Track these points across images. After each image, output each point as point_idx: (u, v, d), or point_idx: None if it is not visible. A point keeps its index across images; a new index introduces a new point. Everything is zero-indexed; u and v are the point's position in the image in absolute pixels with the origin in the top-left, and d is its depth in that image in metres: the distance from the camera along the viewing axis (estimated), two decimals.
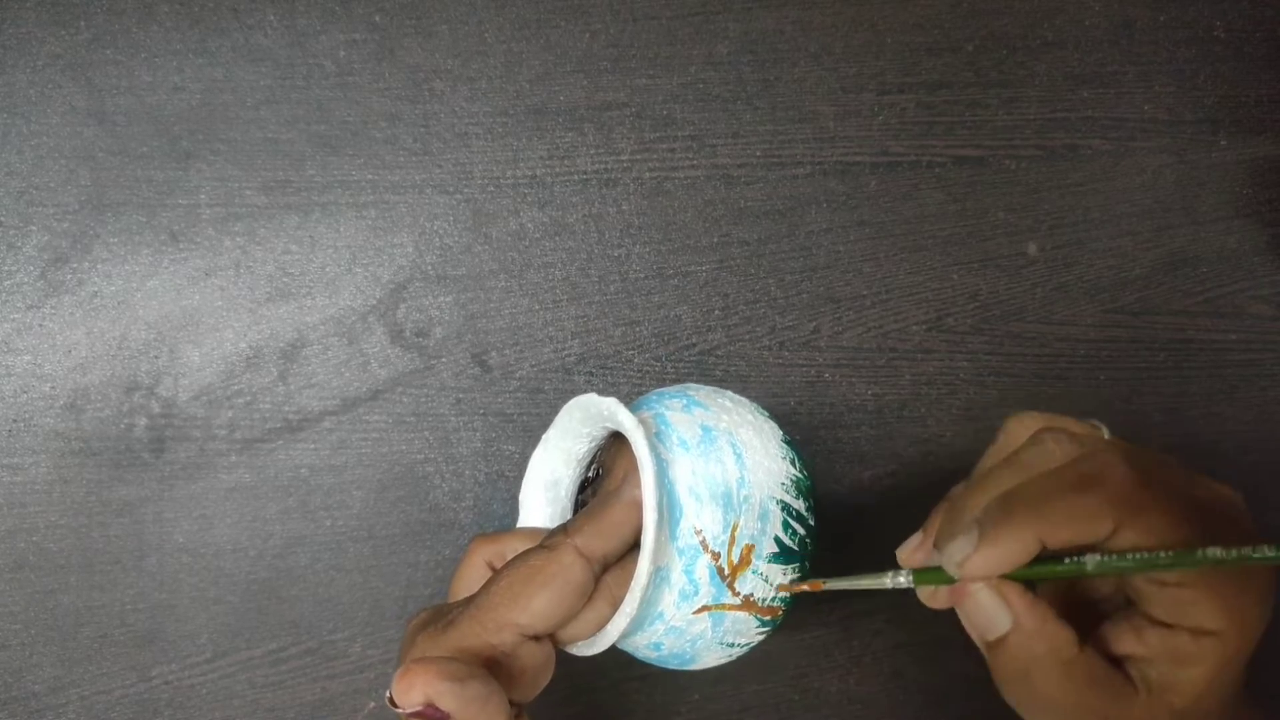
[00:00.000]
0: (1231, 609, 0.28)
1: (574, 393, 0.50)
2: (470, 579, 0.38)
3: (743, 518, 0.35)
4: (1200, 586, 0.28)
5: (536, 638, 0.34)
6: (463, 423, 0.50)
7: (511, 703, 0.32)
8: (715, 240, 0.51)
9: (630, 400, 0.40)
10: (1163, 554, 0.28)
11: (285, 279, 0.49)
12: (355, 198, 0.49)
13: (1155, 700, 0.29)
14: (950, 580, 0.31)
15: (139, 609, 0.48)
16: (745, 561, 0.35)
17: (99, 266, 0.48)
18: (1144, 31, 0.53)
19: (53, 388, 0.48)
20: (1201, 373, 0.54)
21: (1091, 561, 0.29)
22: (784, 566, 0.37)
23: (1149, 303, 0.54)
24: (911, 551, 0.34)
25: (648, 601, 0.35)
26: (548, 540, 0.35)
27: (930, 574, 0.32)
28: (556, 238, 0.50)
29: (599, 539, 0.35)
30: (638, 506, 0.34)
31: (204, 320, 0.49)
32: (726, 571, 0.35)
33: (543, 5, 0.50)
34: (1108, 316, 0.53)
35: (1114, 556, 0.29)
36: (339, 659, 0.50)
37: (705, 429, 0.37)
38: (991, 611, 0.30)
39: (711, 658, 0.38)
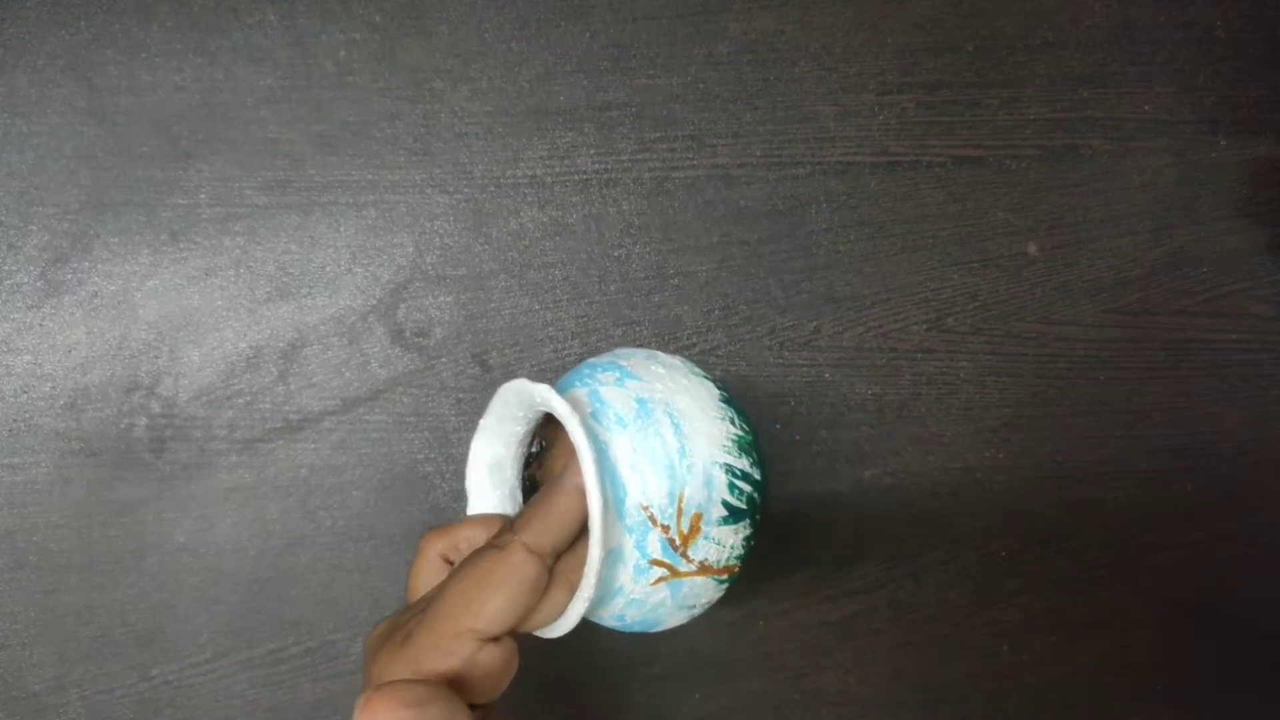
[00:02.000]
0: None
1: None
2: (426, 575, 0.38)
3: (688, 487, 0.35)
4: None
5: (495, 638, 0.34)
6: (463, 423, 0.50)
7: (476, 706, 0.33)
8: (715, 240, 0.51)
9: (560, 376, 0.40)
10: None
11: (285, 279, 0.49)
12: (355, 198, 0.49)
13: None
14: None
15: (139, 608, 0.48)
16: (695, 530, 0.35)
17: (99, 266, 0.48)
18: (1144, 32, 0.53)
19: (53, 388, 0.48)
20: (1201, 373, 0.54)
21: None
22: (734, 527, 0.37)
23: (1149, 303, 0.54)
24: None
25: (605, 581, 0.35)
26: (496, 540, 0.35)
27: None
28: (556, 238, 0.50)
29: (547, 532, 0.34)
30: (582, 493, 0.34)
31: (204, 320, 0.49)
32: (678, 542, 0.35)
33: (543, 5, 0.50)
34: (1108, 316, 0.53)
35: None
36: (339, 658, 0.50)
37: (640, 402, 0.36)
38: None
39: (674, 620, 0.39)
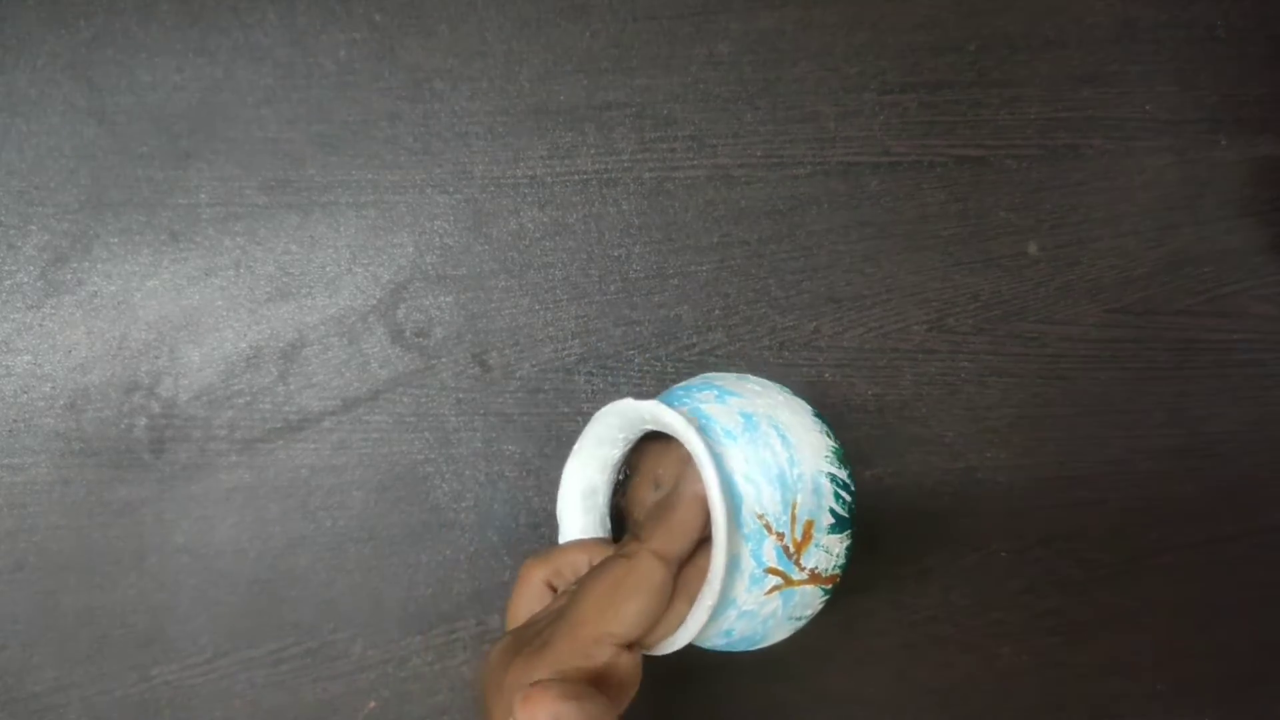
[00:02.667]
0: None
1: (574, 393, 0.50)
2: (529, 601, 0.39)
3: (799, 495, 0.36)
4: None
5: (629, 646, 0.35)
6: (463, 423, 0.50)
7: None
8: (716, 240, 0.51)
9: (643, 399, 0.40)
10: None
11: (285, 279, 0.49)
12: (355, 198, 0.49)
13: None
14: None
15: (139, 609, 0.48)
16: (808, 537, 0.36)
17: (99, 266, 0.48)
18: (1145, 31, 0.53)
19: (53, 388, 0.48)
20: (1204, 372, 0.54)
21: None
22: (840, 535, 0.38)
23: (1151, 302, 0.54)
24: None
25: (722, 591, 0.36)
26: (622, 549, 0.36)
27: None
28: (556, 238, 0.50)
29: (672, 540, 0.35)
30: (701, 502, 0.35)
31: (204, 320, 0.49)
32: (792, 550, 0.36)
33: (543, 5, 0.50)
34: (1110, 316, 0.53)
35: None
36: (339, 659, 0.50)
37: (745, 415, 0.37)
38: None
39: (780, 633, 0.39)
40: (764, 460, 0.36)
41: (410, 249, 0.50)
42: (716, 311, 0.51)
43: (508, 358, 0.50)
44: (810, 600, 0.38)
